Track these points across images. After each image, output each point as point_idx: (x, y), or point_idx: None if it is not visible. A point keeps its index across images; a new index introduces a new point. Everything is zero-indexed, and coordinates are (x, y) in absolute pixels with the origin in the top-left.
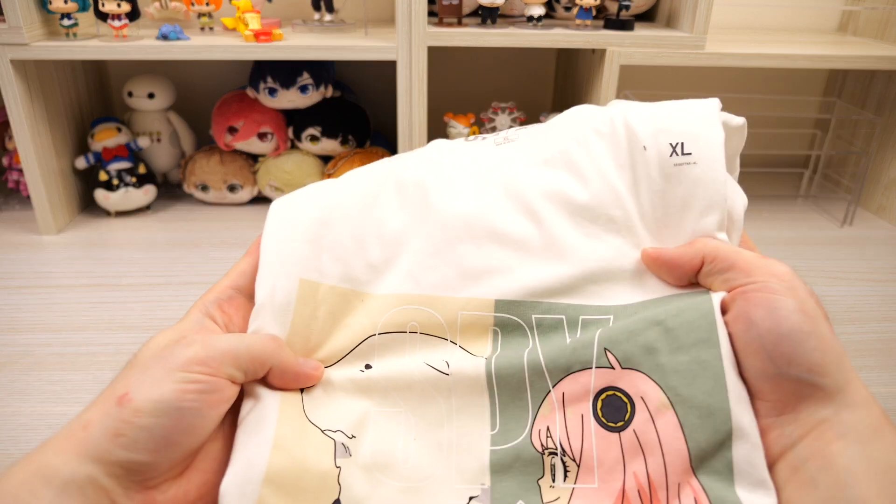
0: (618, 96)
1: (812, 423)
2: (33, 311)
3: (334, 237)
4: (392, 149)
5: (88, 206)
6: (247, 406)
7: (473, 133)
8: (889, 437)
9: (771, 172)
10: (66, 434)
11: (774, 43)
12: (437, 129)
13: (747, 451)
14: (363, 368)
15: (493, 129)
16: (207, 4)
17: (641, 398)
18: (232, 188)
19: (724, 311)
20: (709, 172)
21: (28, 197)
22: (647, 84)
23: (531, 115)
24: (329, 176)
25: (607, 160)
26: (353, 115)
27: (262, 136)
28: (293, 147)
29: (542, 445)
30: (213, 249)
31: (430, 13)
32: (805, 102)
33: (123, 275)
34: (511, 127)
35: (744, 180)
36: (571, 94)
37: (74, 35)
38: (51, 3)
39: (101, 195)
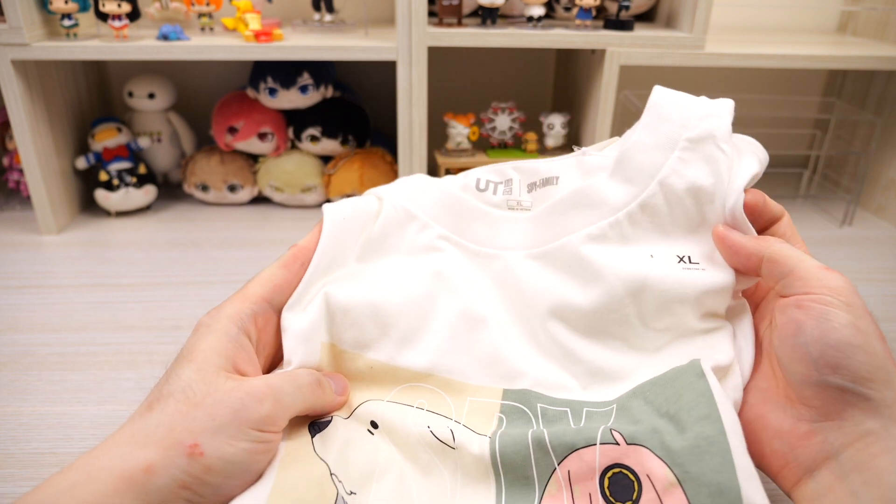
0: (618, 96)
1: (857, 433)
2: (33, 311)
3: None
4: (392, 149)
5: (89, 206)
6: None
7: (473, 133)
8: None
9: (771, 172)
10: (123, 474)
11: (774, 43)
12: (437, 129)
13: None
14: (370, 428)
15: (493, 129)
16: (208, 5)
17: (648, 476)
18: (232, 188)
19: (772, 318)
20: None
21: (28, 197)
22: (647, 84)
23: (531, 115)
24: (329, 176)
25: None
26: (353, 115)
27: (262, 137)
28: (293, 147)
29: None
30: (213, 249)
31: (430, 13)
32: (805, 103)
33: (123, 275)
34: (511, 128)
35: None
36: (571, 94)
37: (75, 35)
38: (51, 3)
39: (101, 195)
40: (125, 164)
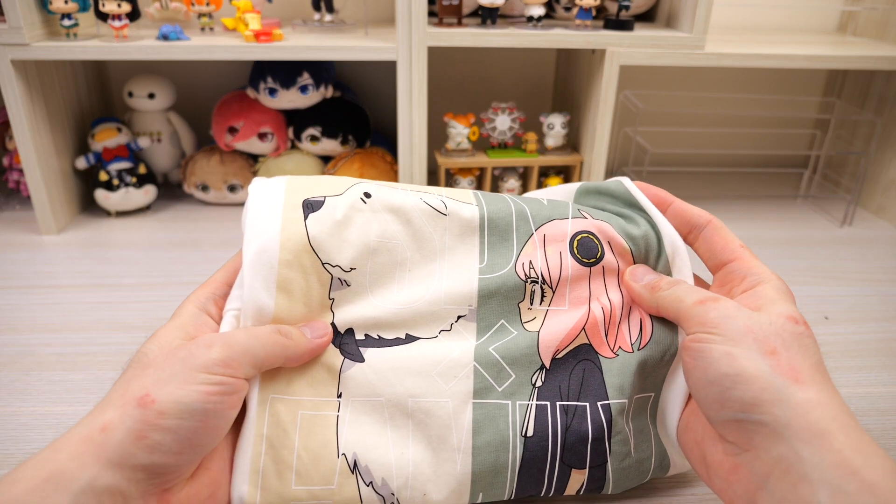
0: (618, 96)
1: (771, 460)
2: (33, 311)
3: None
4: (392, 149)
5: (88, 206)
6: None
7: (473, 133)
8: (857, 476)
9: (771, 172)
10: (81, 437)
11: (774, 43)
12: (437, 129)
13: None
14: (363, 197)
15: (494, 129)
16: (207, 5)
17: (608, 242)
18: (232, 188)
19: None
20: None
21: (28, 197)
22: (647, 84)
23: (531, 115)
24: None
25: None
26: (353, 115)
27: (262, 137)
28: (293, 147)
29: (525, 275)
30: (213, 249)
31: (430, 13)
32: (805, 102)
33: (123, 275)
34: (511, 128)
35: (744, 180)
36: (571, 94)
37: (75, 35)
38: (51, 3)
39: (101, 195)
40: (125, 164)
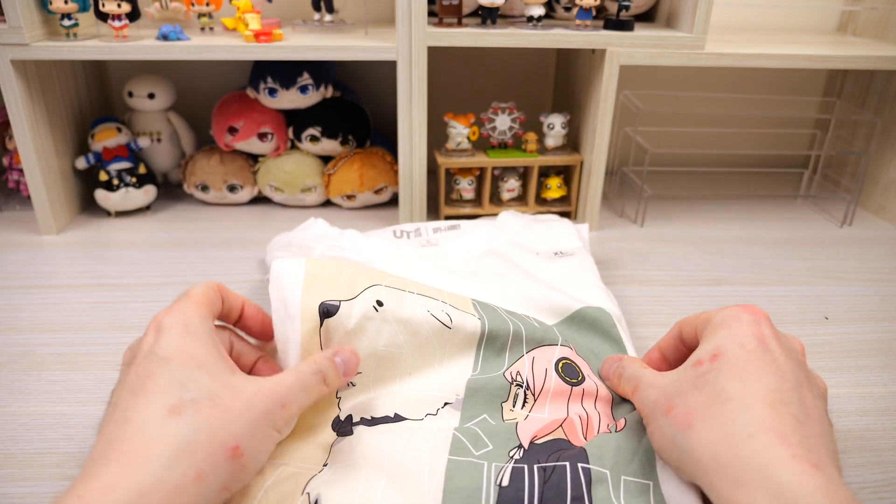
0: (618, 96)
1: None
2: (33, 311)
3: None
4: (392, 149)
5: (88, 206)
6: None
7: (473, 133)
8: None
9: (771, 172)
10: (176, 485)
11: (774, 43)
12: (437, 129)
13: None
14: (376, 305)
15: (494, 129)
16: (207, 5)
17: (588, 375)
18: (232, 188)
19: None
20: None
21: (28, 197)
22: (647, 84)
23: (531, 115)
24: (329, 176)
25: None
26: (353, 115)
27: (262, 137)
28: (293, 147)
29: (511, 379)
30: (213, 249)
31: (430, 13)
32: (805, 102)
33: (123, 275)
34: (511, 128)
35: (744, 180)
36: (571, 94)
37: (74, 35)
38: (51, 3)
39: (101, 195)
40: (125, 164)
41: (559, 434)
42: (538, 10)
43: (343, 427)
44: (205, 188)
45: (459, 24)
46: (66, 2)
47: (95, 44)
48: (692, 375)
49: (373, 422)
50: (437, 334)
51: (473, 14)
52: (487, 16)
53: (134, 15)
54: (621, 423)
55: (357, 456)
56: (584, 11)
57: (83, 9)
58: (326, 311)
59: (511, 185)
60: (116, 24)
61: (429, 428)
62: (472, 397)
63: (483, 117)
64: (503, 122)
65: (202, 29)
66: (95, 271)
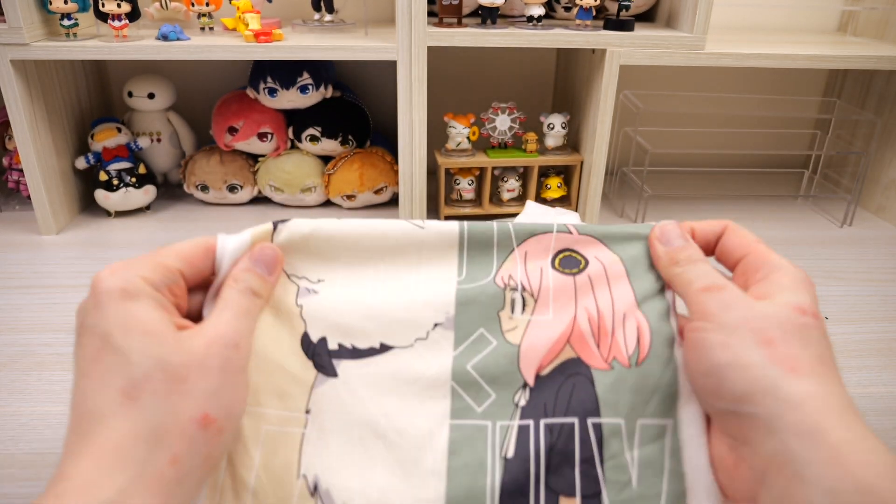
0: (618, 96)
1: (765, 455)
2: (33, 311)
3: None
4: (392, 149)
5: (88, 206)
6: None
7: (473, 133)
8: (852, 476)
9: (771, 172)
10: (152, 476)
11: (774, 43)
12: (437, 129)
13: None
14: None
15: (494, 129)
16: (207, 4)
17: (596, 256)
18: (232, 188)
19: None
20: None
21: (28, 197)
22: (647, 84)
23: (531, 115)
24: (329, 176)
25: None
26: (353, 115)
27: (262, 137)
28: (293, 147)
29: (504, 284)
30: None
31: (430, 13)
32: (805, 102)
33: None
34: (511, 128)
35: (744, 180)
36: (571, 94)
37: (74, 35)
38: (51, 3)
39: (101, 195)
40: (125, 164)
41: (567, 354)
42: (538, 10)
43: (320, 355)
44: (205, 188)
45: (459, 24)
46: (66, 2)
47: (95, 44)
48: (794, 321)
49: (356, 354)
50: (408, 234)
51: (473, 14)
52: (487, 16)
53: (134, 15)
54: (644, 342)
55: (347, 409)
56: (584, 11)
57: (83, 9)
58: (280, 222)
59: (511, 185)
60: (116, 24)
61: (422, 370)
62: (463, 313)
63: (483, 117)
64: (503, 122)
65: (202, 29)
66: (95, 271)
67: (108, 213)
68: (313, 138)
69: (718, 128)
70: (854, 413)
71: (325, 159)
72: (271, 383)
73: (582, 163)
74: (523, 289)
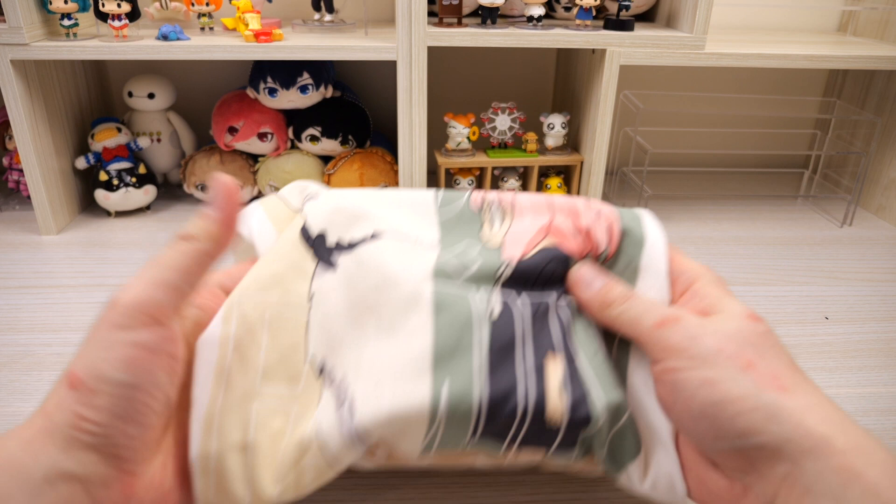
0: (618, 96)
1: (776, 479)
2: (33, 311)
3: None
4: (392, 149)
5: (88, 206)
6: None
7: (473, 133)
8: (859, 482)
9: (771, 172)
10: (28, 427)
11: (774, 43)
12: (437, 129)
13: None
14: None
15: (494, 129)
16: (207, 4)
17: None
18: None
19: None
20: None
21: (28, 197)
22: (647, 84)
23: (531, 115)
24: (329, 176)
25: None
26: (353, 115)
27: (262, 137)
28: (293, 147)
29: (479, 207)
30: None
31: (430, 13)
32: (805, 102)
33: (124, 275)
34: (511, 128)
35: (744, 180)
36: (571, 94)
37: (74, 35)
38: (51, 3)
39: (101, 195)
40: (125, 164)
41: (548, 242)
42: (538, 10)
43: (319, 248)
44: (205, 188)
45: (459, 24)
46: (66, 2)
47: (95, 44)
48: (758, 333)
49: (351, 246)
50: (393, 191)
51: (473, 14)
52: (487, 16)
53: (134, 15)
54: (613, 240)
55: (346, 293)
56: (584, 11)
57: (83, 9)
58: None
59: (511, 185)
60: (116, 23)
61: (411, 244)
62: (448, 233)
63: (483, 117)
64: (503, 122)
65: (202, 29)
66: (95, 271)
67: (108, 213)
68: (313, 138)
69: (718, 128)
70: (842, 412)
71: (326, 159)
72: (273, 275)
73: (582, 163)
74: (499, 204)
